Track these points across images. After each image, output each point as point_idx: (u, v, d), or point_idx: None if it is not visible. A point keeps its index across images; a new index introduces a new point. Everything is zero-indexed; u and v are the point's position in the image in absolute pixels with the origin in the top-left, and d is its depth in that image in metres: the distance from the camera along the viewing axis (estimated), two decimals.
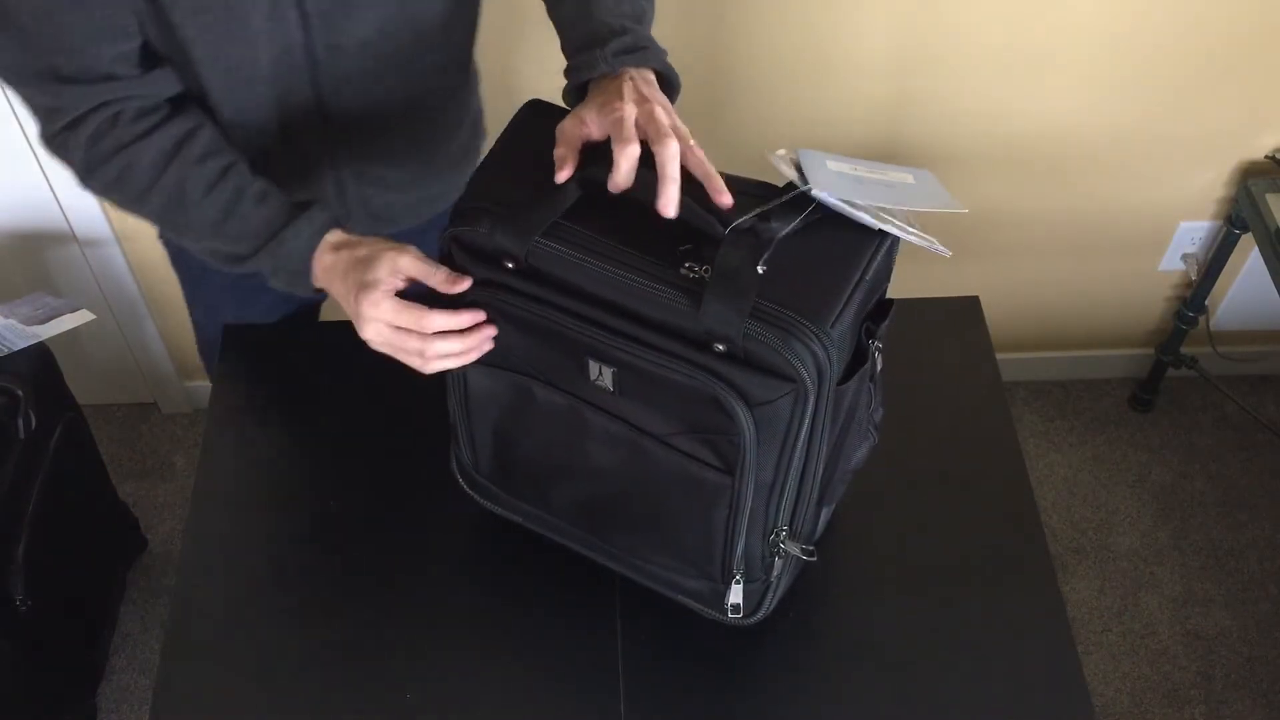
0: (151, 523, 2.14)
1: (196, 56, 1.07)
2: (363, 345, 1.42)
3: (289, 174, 1.21)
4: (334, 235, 1.07)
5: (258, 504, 1.25)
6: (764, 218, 0.91)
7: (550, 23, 1.11)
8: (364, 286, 1.00)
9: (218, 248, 1.13)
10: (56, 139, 1.08)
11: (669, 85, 1.04)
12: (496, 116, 1.19)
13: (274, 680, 1.13)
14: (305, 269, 1.07)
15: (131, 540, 2.10)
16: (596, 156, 0.96)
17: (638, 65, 1.01)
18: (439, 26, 1.17)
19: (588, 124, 0.97)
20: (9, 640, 1.66)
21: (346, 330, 1.41)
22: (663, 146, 0.92)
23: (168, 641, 1.15)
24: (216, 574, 1.20)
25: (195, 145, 1.09)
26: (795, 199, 0.93)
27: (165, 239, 1.41)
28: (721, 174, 0.98)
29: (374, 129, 1.23)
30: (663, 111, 0.95)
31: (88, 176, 1.10)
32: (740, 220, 0.91)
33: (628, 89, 0.97)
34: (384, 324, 1.00)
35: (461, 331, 0.99)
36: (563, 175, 0.95)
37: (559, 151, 0.97)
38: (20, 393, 1.70)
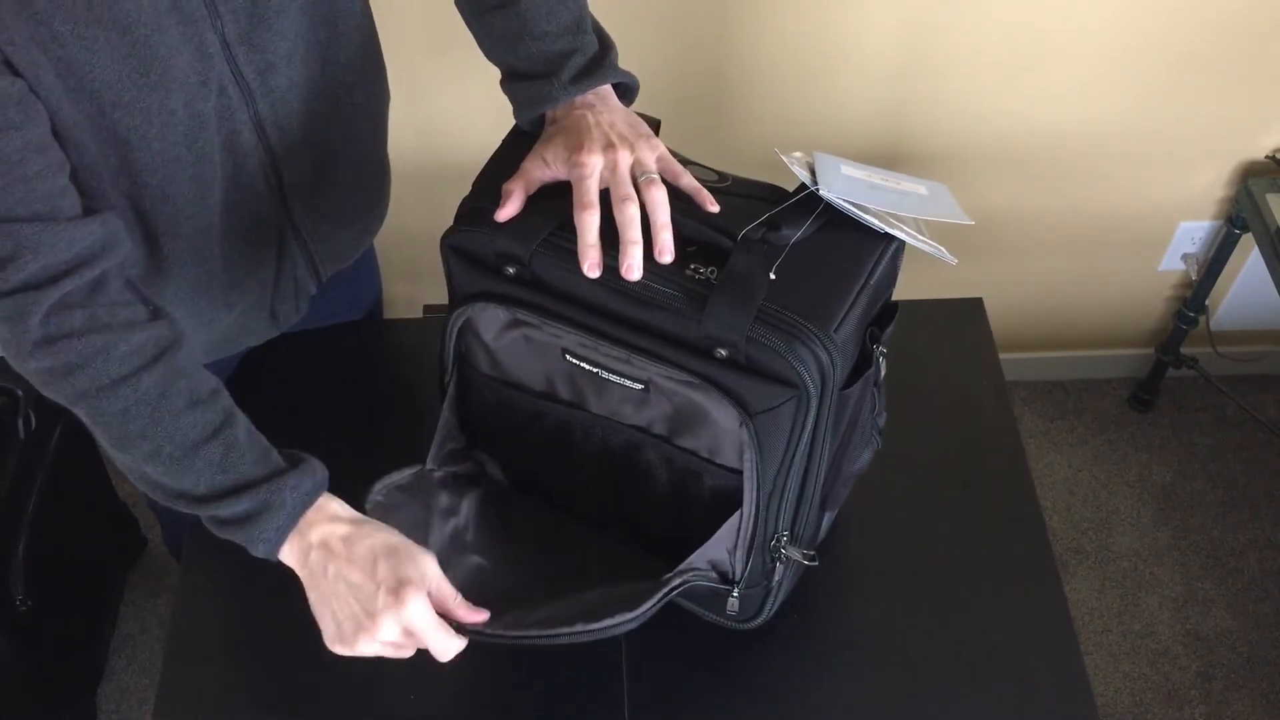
0: (151, 522, 2.13)
1: (135, 133, 0.95)
2: (364, 341, 1.43)
3: (244, 237, 1.11)
4: (335, 502, 0.97)
5: None
6: (773, 224, 0.91)
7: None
8: (404, 582, 0.91)
9: (181, 480, 0.95)
10: (9, 299, 0.87)
11: (627, 91, 1.02)
12: None
13: (274, 680, 1.13)
14: (291, 524, 0.95)
15: (131, 540, 2.10)
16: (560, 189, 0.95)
17: (595, 86, 0.98)
18: (350, 14, 1.08)
19: (550, 167, 0.95)
20: (9, 640, 1.66)
21: (345, 326, 1.41)
22: (620, 211, 0.90)
23: (169, 641, 1.15)
24: (217, 574, 1.20)
25: (182, 356, 0.94)
26: (804, 201, 0.93)
27: None
28: (728, 175, 0.98)
29: (318, 154, 1.13)
30: (627, 157, 0.92)
31: (36, 351, 0.89)
32: (750, 228, 0.90)
33: (595, 134, 0.94)
34: (404, 627, 0.92)
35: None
36: (505, 213, 0.94)
37: (509, 186, 0.95)
38: (20, 393, 1.70)
